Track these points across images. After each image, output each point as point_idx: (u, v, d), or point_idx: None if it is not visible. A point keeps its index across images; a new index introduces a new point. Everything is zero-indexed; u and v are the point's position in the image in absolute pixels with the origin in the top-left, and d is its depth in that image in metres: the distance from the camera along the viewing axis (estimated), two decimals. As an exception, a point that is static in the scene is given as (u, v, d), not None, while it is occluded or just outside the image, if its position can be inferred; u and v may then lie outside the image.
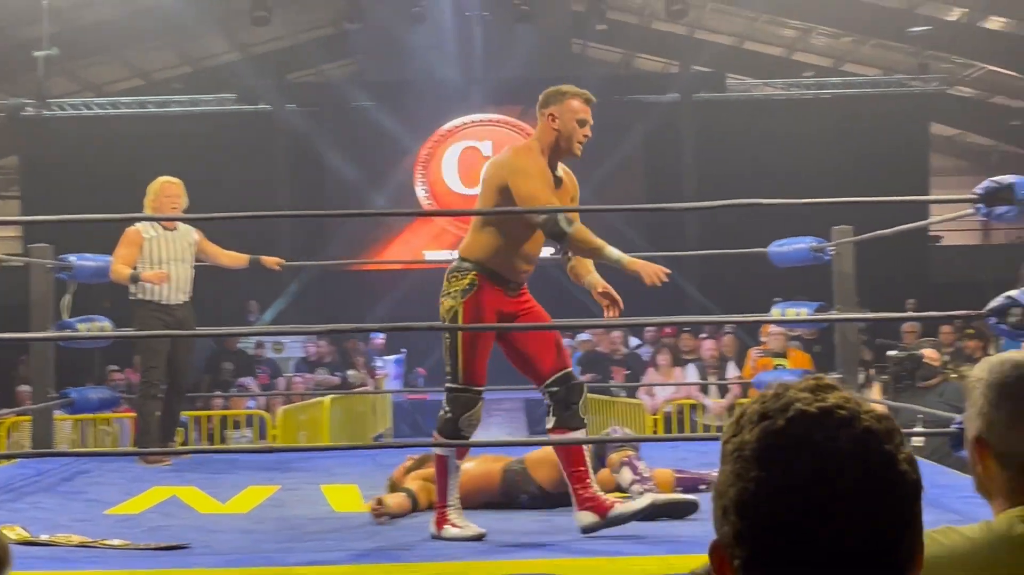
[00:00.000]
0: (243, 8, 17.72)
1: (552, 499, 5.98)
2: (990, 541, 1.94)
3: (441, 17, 19.17)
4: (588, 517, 5.03)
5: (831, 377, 1.32)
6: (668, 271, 5.24)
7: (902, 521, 1.23)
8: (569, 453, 5.22)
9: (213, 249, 8.48)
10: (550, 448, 5.96)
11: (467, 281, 5.34)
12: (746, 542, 1.22)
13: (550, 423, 5.36)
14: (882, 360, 8.51)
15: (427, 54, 19.91)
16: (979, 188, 5.43)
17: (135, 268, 7.91)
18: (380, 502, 5.65)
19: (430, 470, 6.10)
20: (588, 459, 5.23)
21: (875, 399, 8.60)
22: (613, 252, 5.27)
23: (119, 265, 7.92)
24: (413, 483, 6.01)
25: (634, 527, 5.24)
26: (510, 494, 5.96)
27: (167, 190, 8.06)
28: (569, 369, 5.41)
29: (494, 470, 6.04)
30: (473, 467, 6.08)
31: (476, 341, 5.34)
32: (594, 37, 21.64)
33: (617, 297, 5.39)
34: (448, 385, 5.39)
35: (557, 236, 5.24)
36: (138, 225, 8.02)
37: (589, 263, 5.53)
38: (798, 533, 1.20)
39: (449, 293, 5.39)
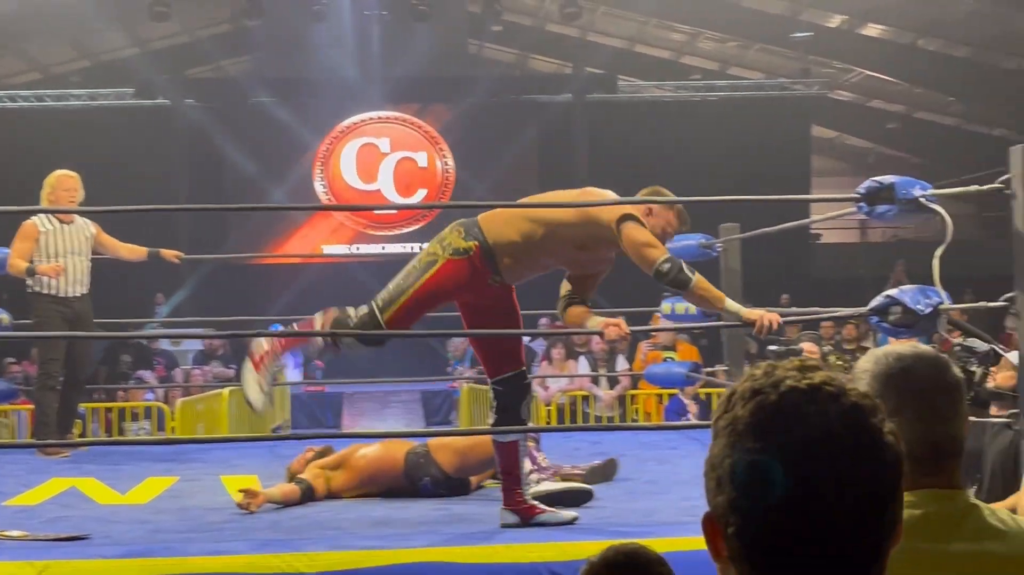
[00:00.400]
0: (142, 3, 17.44)
1: (453, 483, 6.00)
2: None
3: (340, 15, 19.04)
4: (511, 517, 5.02)
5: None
6: (780, 319, 5.28)
7: (889, 490, 1.27)
8: (508, 454, 5.15)
9: (111, 242, 8.33)
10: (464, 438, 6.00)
11: (466, 245, 5.11)
12: (740, 510, 1.25)
13: (491, 420, 5.33)
14: (764, 354, 8.61)
15: (326, 52, 19.77)
16: (861, 188, 5.51)
17: (31, 261, 7.76)
18: (249, 492, 5.60)
19: (329, 459, 6.08)
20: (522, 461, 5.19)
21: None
22: (732, 304, 5.26)
23: (15, 259, 7.76)
24: (309, 473, 5.98)
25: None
26: (413, 477, 5.96)
27: (64, 183, 7.90)
28: (521, 370, 5.28)
29: (397, 454, 6.03)
30: (376, 451, 6.07)
31: (429, 298, 5.16)
32: (490, 38, 21.68)
33: (622, 328, 5.45)
34: (374, 304, 5.13)
35: (680, 284, 5.14)
36: (34, 218, 7.85)
37: (584, 312, 5.42)
38: (791, 501, 1.22)
39: (442, 241, 5.15)
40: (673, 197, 5.41)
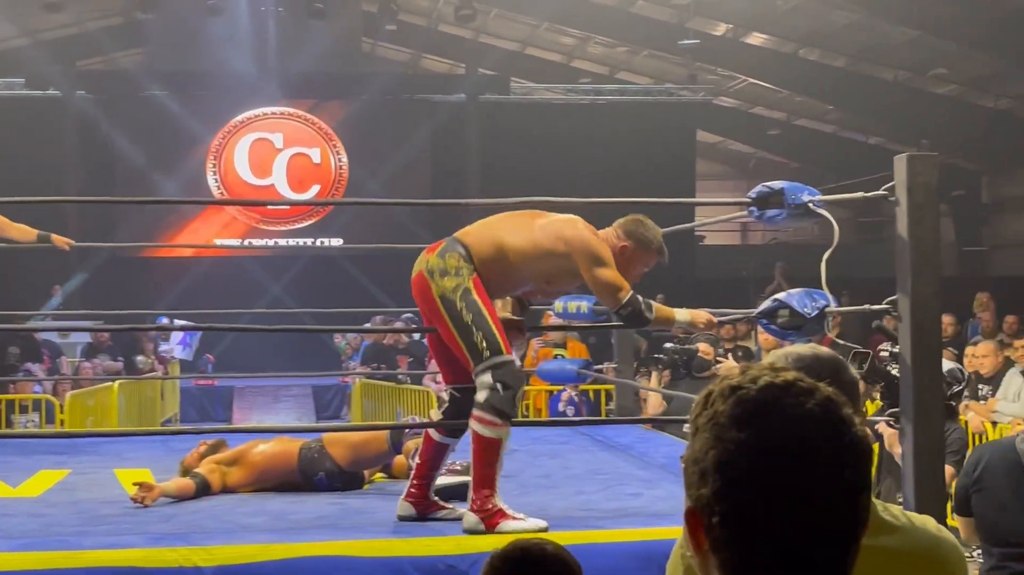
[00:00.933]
0: (35, -6, 17.07)
1: (347, 477, 5.96)
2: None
3: (236, 10, 18.79)
4: (474, 522, 4.90)
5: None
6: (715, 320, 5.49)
7: (862, 478, 1.30)
8: (483, 455, 4.98)
9: (1, 220, 8.12)
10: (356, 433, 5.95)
11: (468, 267, 4.99)
12: (726, 499, 1.27)
13: (436, 417, 5.26)
14: (659, 351, 8.68)
15: (221, 46, 19.48)
16: (752, 192, 5.56)
17: None
18: (144, 486, 5.50)
19: (225, 454, 6.00)
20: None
21: (652, 388, 8.78)
22: (683, 316, 5.36)
23: None
24: (204, 467, 5.89)
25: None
26: (307, 472, 5.90)
27: None
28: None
29: (292, 449, 5.96)
30: (271, 447, 6.00)
31: (491, 308, 5.01)
32: (384, 37, 21.58)
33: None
34: (495, 360, 4.87)
35: (639, 323, 5.22)
36: None
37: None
38: (774, 487, 1.26)
39: (448, 271, 4.98)
40: (656, 229, 5.40)
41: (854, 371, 2.26)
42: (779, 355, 2.19)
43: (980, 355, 9.25)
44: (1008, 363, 9.01)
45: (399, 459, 6.07)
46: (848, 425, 1.29)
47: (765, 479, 1.26)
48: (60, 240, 8.07)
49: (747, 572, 1.28)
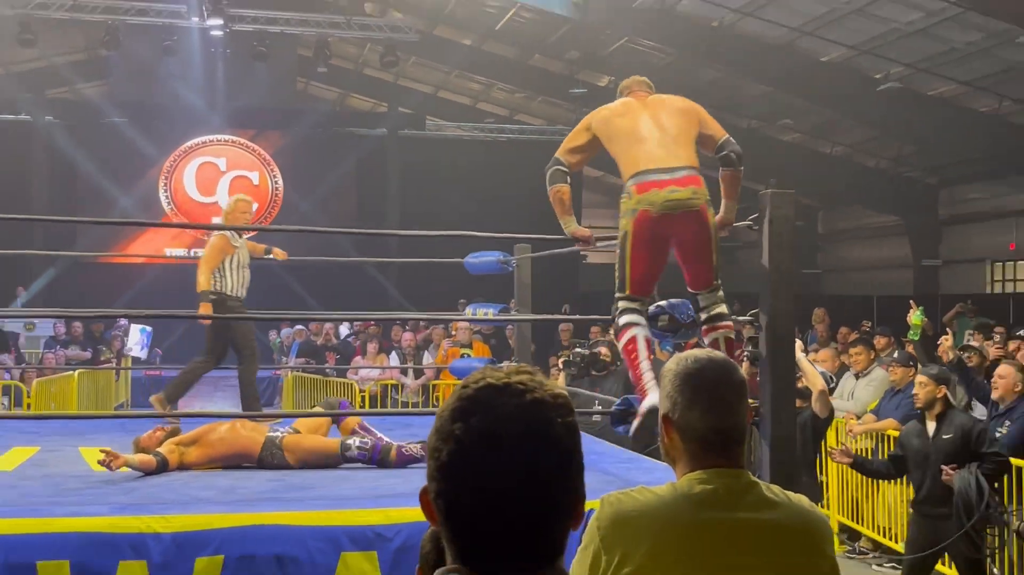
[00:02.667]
0: (11, 31, 16.64)
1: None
2: (675, 498, 2.04)
3: (189, 50, 18.54)
4: None
5: (524, 365, 1.40)
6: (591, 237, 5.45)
7: (553, 473, 1.31)
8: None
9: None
10: (306, 433, 5.88)
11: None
12: (438, 479, 1.31)
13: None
14: (559, 352, 8.76)
15: (175, 81, 19.27)
16: (650, 310, 5.52)
17: None
18: (110, 454, 5.38)
19: (183, 436, 5.89)
20: None
21: (559, 385, 8.79)
22: (570, 226, 5.46)
23: None
24: (165, 448, 5.76)
25: (358, 485, 5.21)
26: (265, 462, 5.78)
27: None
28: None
29: (256, 440, 5.83)
30: (229, 434, 5.86)
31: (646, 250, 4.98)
32: (317, 77, 21.44)
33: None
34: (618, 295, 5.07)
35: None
36: None
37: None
38: (474, 470, 1.29)
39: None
40: None
41: (742, 373, 2.30)
42: (679, 357, 2.21)
43: (820, 360, 9.43)
44: (844, 367, 9.21)
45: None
46: (546, 425, 1.31)
47: (466, 467, 1.29)
48: (279, 253, 8.76)
49: (460, 549, 1.32)
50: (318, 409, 6.43)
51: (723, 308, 5.07)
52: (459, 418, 1.30)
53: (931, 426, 6.19)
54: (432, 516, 1.33)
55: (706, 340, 5.15)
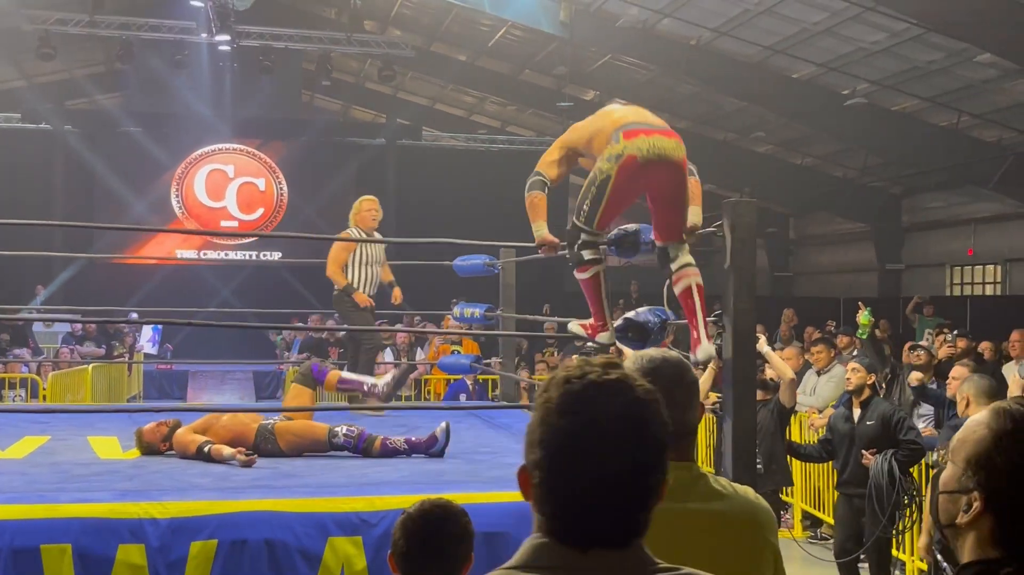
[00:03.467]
0: (31, 45, 16.62)
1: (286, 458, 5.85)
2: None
3: (199, 64, 18.51)
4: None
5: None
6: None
7: (654, 462, 1.36)
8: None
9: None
10: (298, 420, 5.87)
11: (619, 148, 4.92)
12: (543, 467, 1.35)
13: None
14: (543, 350, 8.74)
15: (186, 93, 19.23)
16: (612, 235, 5.53)
17: None
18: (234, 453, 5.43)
19: (195, 424, 5.87)
20: None
21: (528, 379, 8.78)
22: (540, 232, 5.39)
23: None
24: (187, 436, 5.75)
25: (345, 474, 5.19)
26: (259, 448, 5.76)
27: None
28: None
29: (251, 427, 5.82)
30: (230, 423, 5.84)
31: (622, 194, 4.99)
32: (320, 90, 21.43)
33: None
34: (576, 222, 5.08)
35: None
36: None
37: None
38: (577, 467, 1.33)
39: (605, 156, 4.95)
40: None
41: (695, 372, 2.29)
42: (636, 356, 2.21)
43: (786, 358, 9.40)
44: (807, 365, 9.21)
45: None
46: (646, 422, 1.35)
47: (572, 460, 1.33)
48: (398, 295, 8.40)
49: (554, 525, 1.35)
50: (295, 385, 6.40)
51: (690, 258, 5.14)
52: (566, 413, 1.34)
53: (856, 412, 6.36)
54: (529, 495, 1.38)
55: (676, 288, 5.16)
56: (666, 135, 4.92)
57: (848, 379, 6.46)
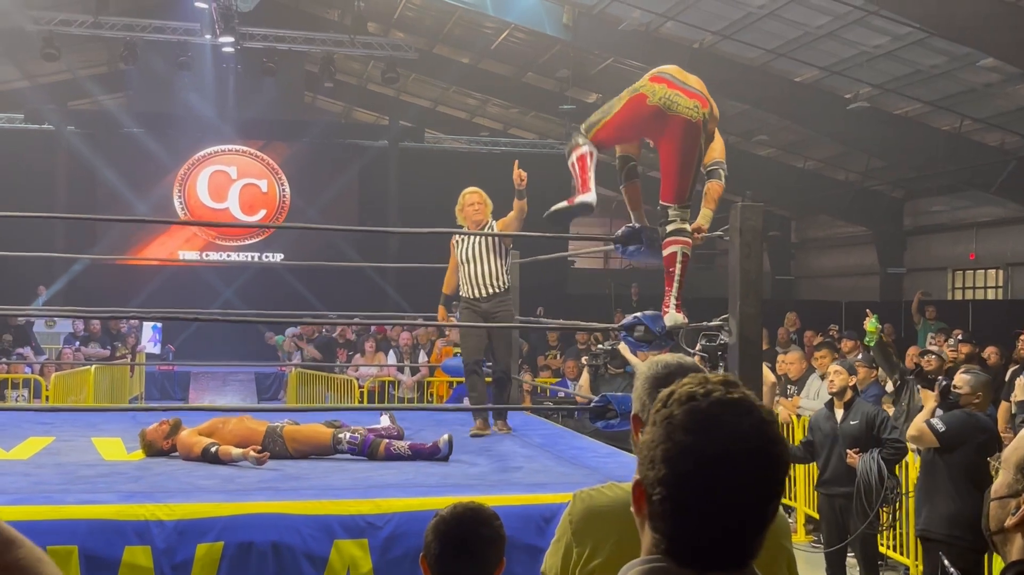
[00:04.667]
0: (35, 46, 16.63)
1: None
2: (643, 493, 2.02)
3: (202, 65, 18.50)
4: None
5: (728, 374, 1.39)
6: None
7: (777, 486, 1.33)
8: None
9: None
10: (306, 425, 5.87)
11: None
12: (667, 485, 1.30)
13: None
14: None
15: (189, 94, 19.22)
16: (618, 232, 5.57)
17: None
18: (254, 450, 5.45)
19: (201, 427, 5.86)
20: None
21: (532, 381, 8.77)
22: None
23: None
24: (192, 438, 5.75)
25: (351, 476, 5.18)
26: (267, 450, 5.75)
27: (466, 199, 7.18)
28: None
29: (259, 430, 5.82)
30: (238, 426, 5.85)
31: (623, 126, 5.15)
32: (323, 92, 21.42)
33: None
34: (579, 125, 5.23)
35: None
36: None
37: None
38: (705, 487, 1.29)
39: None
40: None
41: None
42: (651, 362, 2.20)
43: (789, 362, 9.45)
44: (811, 369, 9.20)
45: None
46: (774, 443, 1.32)
47: (699, 479, 1.29)
48: (442, 313, 7.69)
49: (671, 544, 1.32)
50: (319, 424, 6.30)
51: (686, 226, 5.22)
52: (695, 431, 1.30)
53: (839, 412, 6.48)
54: (643, 511, 1.35)
55: (665, 251, 5.20)
56: (688, 95, 4.98)
57: (831, 381, 6.56)
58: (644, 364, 2.19)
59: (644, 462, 1.34)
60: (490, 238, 6.89)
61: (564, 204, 5.42)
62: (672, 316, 5.06)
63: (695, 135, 4.98)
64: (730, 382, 1.37)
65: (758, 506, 1.31)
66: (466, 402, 10.47)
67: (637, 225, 5.53)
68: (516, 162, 6.58)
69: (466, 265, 6.83)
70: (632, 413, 2.16)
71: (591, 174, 5.26)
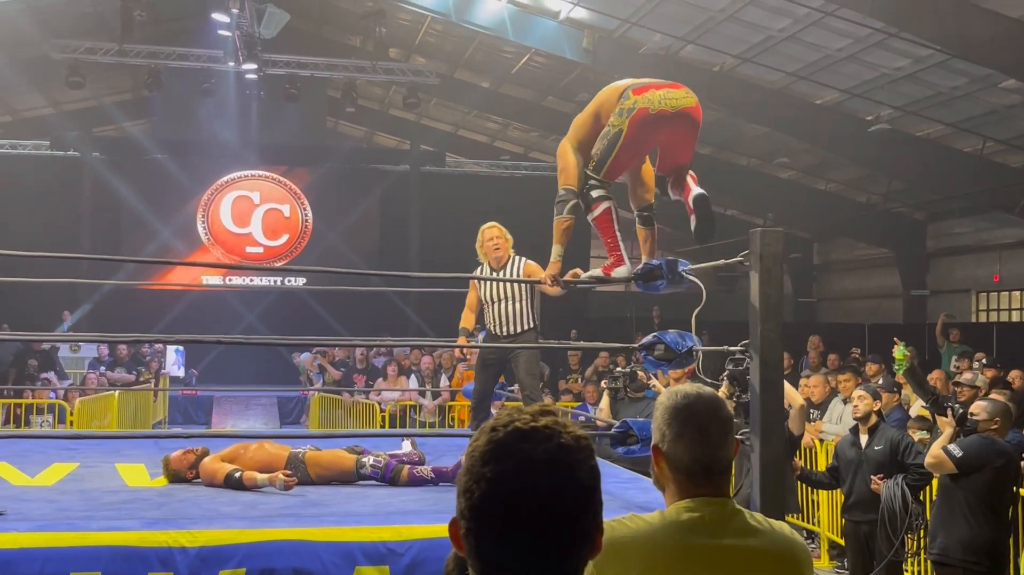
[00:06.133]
0: (61, 74, 16.83)
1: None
2: (664, 524, 2.02)
3: (226, 92, 18.67)
4: None
5: (548, 404, 1.39)
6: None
7: (575, 511, 1.32)
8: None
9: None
10: (328, 451, 5.86)
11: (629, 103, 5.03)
12: (467, 518, 1.33)
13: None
14: (567, 377, 8.71)
15: (212, 121, 19.40)
16: (638, 269, 5.54)
17: None
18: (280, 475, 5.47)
19: (224, 453, 5.88)
20: None
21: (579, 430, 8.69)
22: (556, 253, 5.51)
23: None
24: (214, 464, 5.77)
25: (372, 503, 5.18)
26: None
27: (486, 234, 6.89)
28: None
29: (281, 457, 5.84)
30: (259, 453, 5.86)
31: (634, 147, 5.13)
32: (345, 117, 21.56)
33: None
34: (585, 170, 5.19)
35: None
36: None
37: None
38: (503, 512, 1.30)
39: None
40: None
41: (729, 409, 2.28)
42: (671, 392, 2.20)
43: (812, 385, 9.40)
44: (833, 393, 9.15)
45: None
46: (570, 469, 1.32)
47: (494, 508, 1.30)
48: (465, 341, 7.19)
49: (486, 571, 1.33)
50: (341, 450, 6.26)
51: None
52: (490, 461, 1.32)
53: (864, 438, 6.44)
54: (460, 546, 1.35)
55: (670, 186, 5.34)
56: (674, 87, 5.06)
57: (855, 406, 6.51)
58: (664, 394, 2.18)
59: (457, 495, 1.36)
60: (493, 285, 6.64)
61: (600, 273, 5.45)
62: (696, 189, 5.17)
63: (695, 119, 5.13)
64: (543, 411, 1.37)
65: (561, 532, 1.31)
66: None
67: (656, 261, 5.51)
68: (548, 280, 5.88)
69: (491, 305, 6.59)
70: (652, 443, 2.16)
71: (619, 238, 5.34)
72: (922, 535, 6.42)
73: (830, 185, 20.55)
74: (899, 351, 7.47)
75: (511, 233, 6.88)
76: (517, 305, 6.56)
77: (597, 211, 5.24)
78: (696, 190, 5.10)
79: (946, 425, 5.74)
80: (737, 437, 5.34)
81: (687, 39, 14.78)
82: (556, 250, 5.40)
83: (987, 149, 15.75)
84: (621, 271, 5.35)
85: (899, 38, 12.79)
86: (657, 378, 8.17)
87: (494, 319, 6.57)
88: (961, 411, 5.53)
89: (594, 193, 5.23)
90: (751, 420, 4.81)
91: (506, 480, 1.30)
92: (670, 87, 5.05)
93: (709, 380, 5.33)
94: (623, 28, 15.21)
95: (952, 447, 5.46)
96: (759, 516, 2.09)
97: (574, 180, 5.33)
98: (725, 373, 5.00)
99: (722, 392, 4.98)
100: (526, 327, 6.56)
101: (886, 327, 17.12)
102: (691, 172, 5.30)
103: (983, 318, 19.25)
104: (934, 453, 5.54)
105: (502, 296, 6.52)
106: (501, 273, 6.61)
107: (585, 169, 5.25)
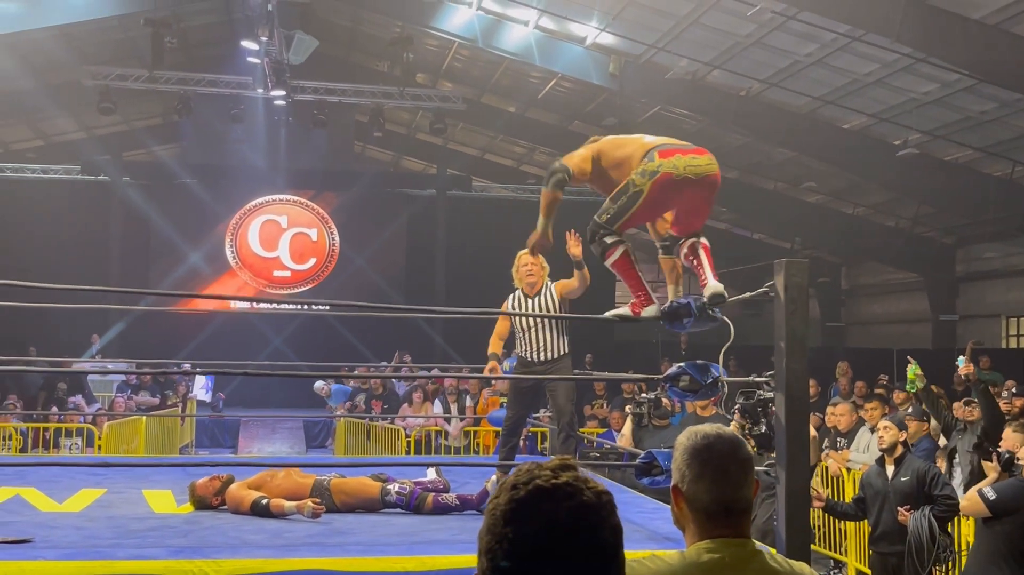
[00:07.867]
0: (92, 100, 17.06)
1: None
2: (684, 566, 2.01)
3: (254, 118, 18.87)
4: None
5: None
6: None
7: (599, 569, 1.30)
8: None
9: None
10: (352, 478, 5.87)
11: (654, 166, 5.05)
12: None
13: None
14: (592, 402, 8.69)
15: (241, 146, 19.60)
16: (665, 307, 5.42)
17: None
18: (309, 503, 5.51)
19: (251, 481, 5.90)
20: None
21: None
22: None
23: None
24: (242, 491, 5.80)
25: (397, 531, 5.19)
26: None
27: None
28: None
29: (306, 484, 5.86)
30: (286, 480, 5.89)
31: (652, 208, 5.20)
32: (372, 141, 21.70)
33: None
34: (598, 220, 5.20)
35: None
36: None
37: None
38: (527, 572, 1.27)
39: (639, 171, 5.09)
40: None
41: (749, 448, 2.27)
42: (690, 432, 2.20)
43: (838, 414, 9.33)
44: (861, 421, 9.09)
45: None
46: (593, 530, 1.30)
47: (520, 570, 1.27)
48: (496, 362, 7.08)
49: None
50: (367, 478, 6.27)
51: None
52: (511, 522, 1.29)
53: (890, 469, 6.38)
54: None
55: (682, 250, 5.32)
56: (699, 153, 5.09)
57: (880, 438, 6.45)
58: (683, 434, 2.19)
59: (478, 553, 1.33)
60: (549, 305, 6.57)
61: (628, 312, 5.41)
62: (712, 286, 5.10)
63: (715, 186, 5.19)
64: (563, 466, 1.35)
65: None
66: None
67: (683, 300, 5.46)
68: (571, 232, 6.25)
69: (525, 332, 6.53)
70: (672, 484, 2.16)
71: (642, 278, 5.35)
72: (950, 567, 6.36)
73: (858, 209, 20.47)
74: (911, 370, 7.46)
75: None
76: (552, 332, 6.52)
77: (614, 257, 5.23)
78: (712, 285, 5.08)
79: (991, 470, 5.70)
80: (759, 468, 5.34)
81: (713, 64, 14.81)
82: (540, 222, 5.46)
83: (1017, 173, 15.65)
84: (650, 311, 5.31)
85: (927, 63, 12.76)
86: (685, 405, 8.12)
87: (529, 346, 6.51)
88: (1008, 456, 5.49)
89: (608, 239, 5.22)
90: (776, 451, 4.79)
91: (528, 543, 1.27)
92: (695, 153, 5.06)
93: (730, 416, 5.30)
94: (649, 53, 15.27)
95: (987, 490, 5.41)
96: (779, 557, 2.08)
97: (575, 163, 5.41)
98: (736, 406, 4.99)
99: (733, 426, 4.98)
100: (561, 353, 6.51)
101: (915, 352, 16.95)
102: (703, 241, 5.28)
103: (1013, 343, 19.07)
104: (969, 496, 5.50)
105: (536, 323, 6.48)
106: (535, 299, 6.59)
107: (597, 218, 5.24)
